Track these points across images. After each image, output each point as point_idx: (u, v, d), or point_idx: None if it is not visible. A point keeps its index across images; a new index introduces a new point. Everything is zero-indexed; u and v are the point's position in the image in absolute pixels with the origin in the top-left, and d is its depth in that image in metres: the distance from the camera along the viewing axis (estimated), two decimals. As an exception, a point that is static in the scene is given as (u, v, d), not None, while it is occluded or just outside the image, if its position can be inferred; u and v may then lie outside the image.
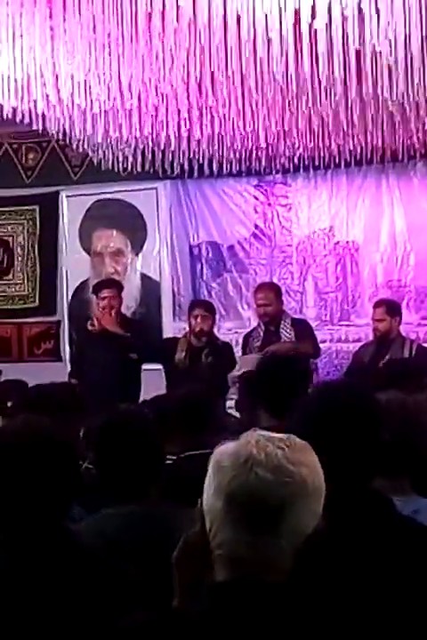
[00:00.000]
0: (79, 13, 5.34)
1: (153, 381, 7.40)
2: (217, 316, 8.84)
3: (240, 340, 8.09)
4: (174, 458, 4.05)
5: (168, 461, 4.11)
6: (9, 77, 5.79)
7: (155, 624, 1.74)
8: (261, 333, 7.59)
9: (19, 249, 9.85)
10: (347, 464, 2.26)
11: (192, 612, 1.75)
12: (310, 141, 7.59)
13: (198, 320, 7.51)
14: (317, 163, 8.32)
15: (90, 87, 6.00)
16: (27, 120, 6.33)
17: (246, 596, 1.69)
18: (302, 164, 8.38)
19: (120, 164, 7.88)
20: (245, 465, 1.71)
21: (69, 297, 9.68)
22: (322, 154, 8.07)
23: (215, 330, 8.09)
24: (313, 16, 4.83)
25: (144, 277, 9.55)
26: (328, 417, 2.31)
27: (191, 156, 7.82)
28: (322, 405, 2.36)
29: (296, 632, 1.68)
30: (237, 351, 8.18)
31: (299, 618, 1.70)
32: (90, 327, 7.64)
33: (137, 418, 3.05)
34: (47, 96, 6.06)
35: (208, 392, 4.81)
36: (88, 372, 7.46)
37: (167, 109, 6.63)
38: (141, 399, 6.64)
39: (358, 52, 5.12)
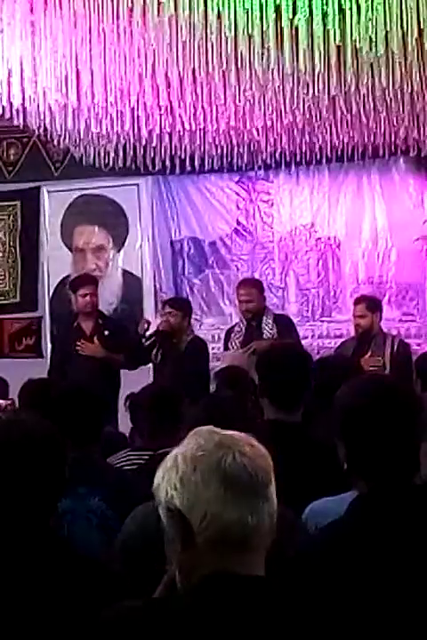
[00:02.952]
0: (60, 8, 5.33)
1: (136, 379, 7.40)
2: (199, 313, 8.84)
3: (222, 336, 8.08)
4: (151, 453, 4.04)
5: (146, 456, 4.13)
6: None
7: (141, 613, 1.74)
8: (243, 329, 7.58)
9: None
10: (389, 460, 2.29)
11: (183, 602, 1.75)
12: (292, 137, 7.60)
13: (164, 318, 7.55)
14: (298, 159, 8.34)
15: (71, 82, 5.98)
16: (7, 115, 6.31)
17: (236, 589, 1.70)
18: (283, 160, 8.39)
19: (102, 160, 7.87)
20: (225, 448, 1.75)
21: (51, 293, 9.63)
22: (304, 150, 8.08)
23: (197, 326, 8.09)
24: (294, 12, 4.84)
25: (126, 273, 9.52)
26: (367, 415, 2.33)
27: (173, 151, 7.83)
28: (360, 403, 2.38)
29: (287, 626, 1.69)
30: (219, 347, 8.18)
31: (289, 612, 1.72)
32: (81, 352, 7.51)
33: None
34: (28, 91, 6.03)
35: (173, 388, 4.78)
36: (69, 372, 7.37)
37: (149, 105, 6.61)
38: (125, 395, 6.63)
39: (338, 48, 5.13)
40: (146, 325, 7.55)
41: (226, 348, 7.66)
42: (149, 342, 7.46)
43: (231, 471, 1.72)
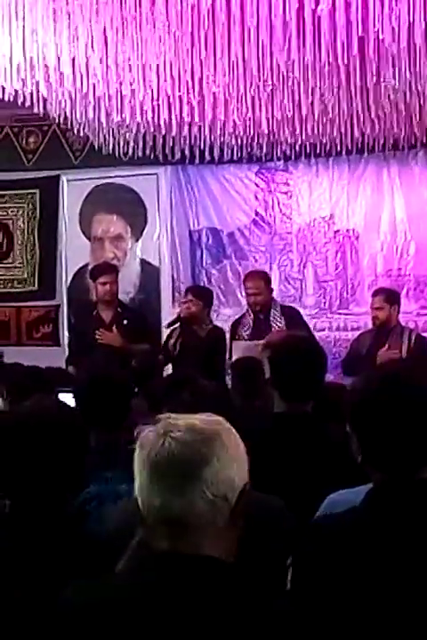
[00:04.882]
0: (82, -4, 5.33)
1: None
2: (216, 303, 8.83)
3: (237, 328, 8.05)
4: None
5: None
6: (10, 60, 5.76)
7: (97, 594, 1.79)
8: (251, 321, 7.55)
9: (18, 232, 9.83)
10: (397, 453, 2.28)
11: (134, 582, 1.78)
12: (312, 129, 7.58)
13: (185, 305, 7.56)
14: (318, 150, 8.32)
15: (92, 70, 5.98)
16: (28, 103, 6.31)
17: (190, 569, 1.74)
18: (303, 152, 8.39)
19: (121, 149, 7.88)
20: (164, 435, 1.78)
21: (69, 281, 9.67)
22: (323, 141, 8.06)
23: (214, 316, 8.07)
24: (317, 2, 4.82)
25: (144, 263, 9.54)
26: (377, 405, 2.31)
27: (192, 141, 7.82)
28: (371, 394, 2.36)
29: (240, 609, 1.71)
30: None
31: (243, 594, 1.75)
32: (100, 340, 7.47)
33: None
34: (48, 79, 6.03)
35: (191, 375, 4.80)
36: (85, 360, 7.34)
37: (169, 94, 6.60)
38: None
39: (361, 39, 5.11)
40: (172, 341, 7.52)
41: (233, 339, 7.62)
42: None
43: (155, 457, 1.77)
